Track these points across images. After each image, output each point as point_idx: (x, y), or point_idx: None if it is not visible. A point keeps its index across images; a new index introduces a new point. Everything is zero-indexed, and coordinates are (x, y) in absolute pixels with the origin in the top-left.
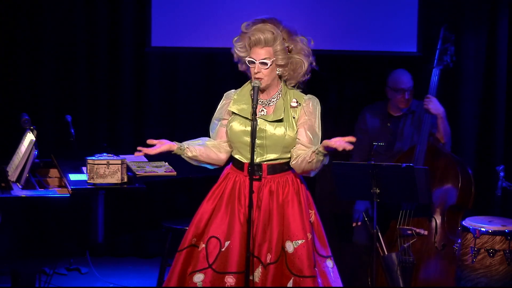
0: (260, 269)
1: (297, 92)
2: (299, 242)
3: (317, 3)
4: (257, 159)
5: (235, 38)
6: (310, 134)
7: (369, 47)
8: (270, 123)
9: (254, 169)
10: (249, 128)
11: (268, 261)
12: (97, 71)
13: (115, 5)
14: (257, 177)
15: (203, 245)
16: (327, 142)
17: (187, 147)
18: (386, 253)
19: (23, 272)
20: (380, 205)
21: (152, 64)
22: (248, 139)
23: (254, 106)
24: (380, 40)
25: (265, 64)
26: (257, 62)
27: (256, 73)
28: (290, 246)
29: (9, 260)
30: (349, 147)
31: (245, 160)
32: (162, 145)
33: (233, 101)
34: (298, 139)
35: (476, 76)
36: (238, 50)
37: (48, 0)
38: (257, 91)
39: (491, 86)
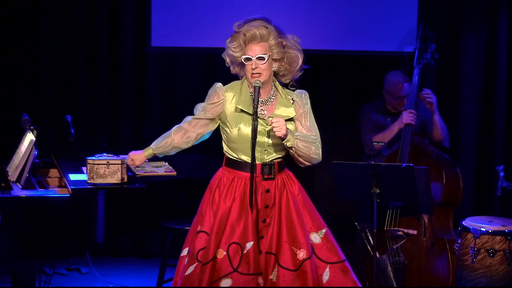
0: (277, 268)
1: (287, 90)
2: (323, 231)
3: (317, 3)
4: (268, 158)
5: (228, 40)
6: (307, 125)
7: (369, 47)
8: None
9: (254, 168)
10: (261, 127)
11: (304, 256)
12: (97, 71)
13: (115, 5)
14: (271, 176)
15: (224, 253)
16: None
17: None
18: (377, 255)
19: (23, 272)
20: (370, 207)
21: (152, 64)
22: (259, 138)
23: (255, 106)
24: (380, 40)
25: (262, 59)
26: (254, 58)
27: (254, 69)
28: (316, 237)
29: (9, 260)
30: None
31: (256, 161)
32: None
33: (237, 99)
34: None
35: (476, 76)
36: (232, 51)
37: (48, 0)
38: (258, 91)
39: (491, 86)
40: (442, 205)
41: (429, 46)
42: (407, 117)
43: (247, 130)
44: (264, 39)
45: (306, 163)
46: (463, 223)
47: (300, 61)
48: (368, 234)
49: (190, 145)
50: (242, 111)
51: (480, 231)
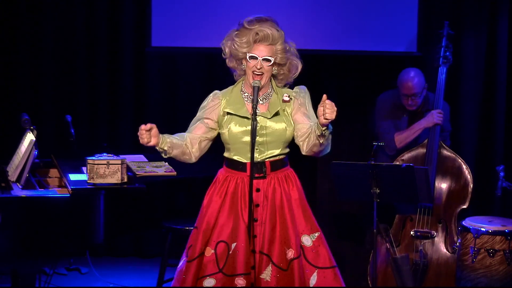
0: (270, 268)
1: (286, 89)
2: (316, 234)
3: (317, 3)
4: (260, 157)
5: (235, 33)
6: (308, 116)
7: (369, 47)
8: (270, 120)
9: (254, 168)
10: (248, 128)
11: (291, 256)
12: (97, 71)
13: (115, 5)
14: (261, 174)
15: (212, 251)
16: (319, 120)
17: (168, 146)
18: (397, 254)
19: (23, 272)
20: (383, 205)
21: (152, 64)
22: (248, 138)
23: (254, 106)
24: (380, 40)
25: (269, 61)
26: (260, 58)
27: (259, 69)
28: (308, 240)
29: (9, 260)
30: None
31: (245, 160)
32: (151, 139)
33: (226, 102)
34: (298, 123)
35: (476, 76)
36: (238, 45)
37: (48, 0)
38: (257, 90)
39: (491, 86)
40: (462, 210)
41: (448, 45)
42: (438, 117)
43: (236, 129)
44: (274, 42)
45: (319, 152)
46: (463, 223)
47: (299, 70)
48: (390, 234)
49: (194, 150)
50: (229, 113)
51: (480, 231)
